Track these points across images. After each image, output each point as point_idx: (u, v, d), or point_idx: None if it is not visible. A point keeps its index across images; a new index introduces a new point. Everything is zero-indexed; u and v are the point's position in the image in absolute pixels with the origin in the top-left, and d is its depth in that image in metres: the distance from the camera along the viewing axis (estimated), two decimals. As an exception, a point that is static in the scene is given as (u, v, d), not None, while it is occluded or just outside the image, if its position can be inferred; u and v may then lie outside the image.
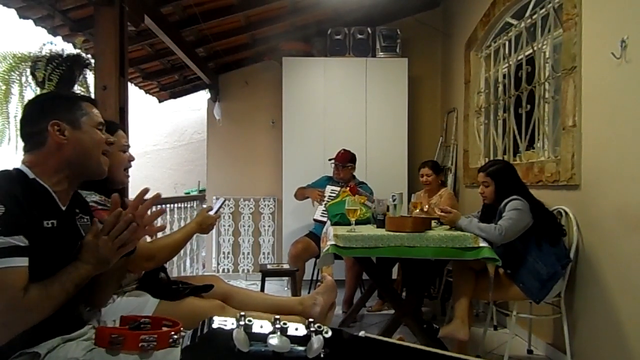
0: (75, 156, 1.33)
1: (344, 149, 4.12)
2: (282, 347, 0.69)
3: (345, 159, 4.06)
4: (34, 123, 1.32)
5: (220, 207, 2.03)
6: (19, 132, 1.40)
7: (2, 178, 1.23)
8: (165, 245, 1.80)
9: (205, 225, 1.93)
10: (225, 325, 0.71)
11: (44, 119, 1.31)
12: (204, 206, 2.09)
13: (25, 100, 2.50)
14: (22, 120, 1.37)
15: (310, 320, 0.75)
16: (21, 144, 1.36)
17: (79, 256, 1.26)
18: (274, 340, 0.69)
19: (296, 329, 0.72)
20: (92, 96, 2.68)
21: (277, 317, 0.73)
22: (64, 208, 1.32)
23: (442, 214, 2.72)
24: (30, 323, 1.16)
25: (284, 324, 0.72)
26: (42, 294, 1.16)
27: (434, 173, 3.82)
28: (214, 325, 0.70)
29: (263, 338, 0.70)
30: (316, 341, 0.71)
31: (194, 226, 1.91)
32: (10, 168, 1.29)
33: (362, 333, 0.77)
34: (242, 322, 0.71)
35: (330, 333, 0.72)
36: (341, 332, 0.75)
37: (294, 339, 0.70)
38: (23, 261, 1.14)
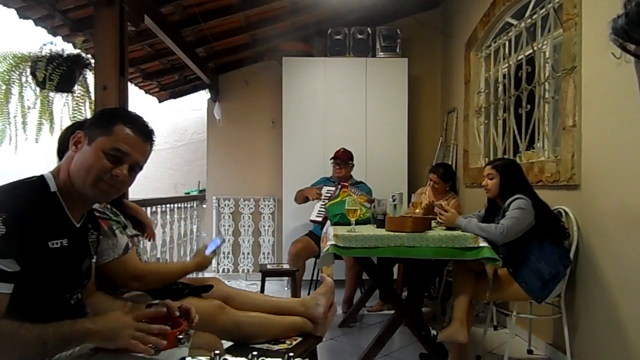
0: (74, 172, 1.26)
1: (344, 148, 4.17)
2: None
3: (347, 157, 4.13)
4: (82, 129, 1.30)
5: (217, 247, 2.01)
6: None
7: (19, 190, 1.20)
8: (156, 271, 1.77)
9: (203, 265, 1.94)
10: None
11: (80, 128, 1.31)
12: (216, 240, 2.07)
13: (26, 100, 2.51)
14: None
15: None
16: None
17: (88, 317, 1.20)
18: None
19: None
20: (92, 96, 2.68)
21: (255, 353, 0.71)
22: (78, 225, 1.29)
23: (441, 213, 2.72)
24: None
25: None
26: (11, 330, 1.04)
27: (442, 180, 3.82)
28: None
29: None
30: None
31: (193, 265, 1.90)
32: (37, 175, 1.26)
33: None
34: None
35: None
36: None
37: None
38: (3, 287, 1.07)
